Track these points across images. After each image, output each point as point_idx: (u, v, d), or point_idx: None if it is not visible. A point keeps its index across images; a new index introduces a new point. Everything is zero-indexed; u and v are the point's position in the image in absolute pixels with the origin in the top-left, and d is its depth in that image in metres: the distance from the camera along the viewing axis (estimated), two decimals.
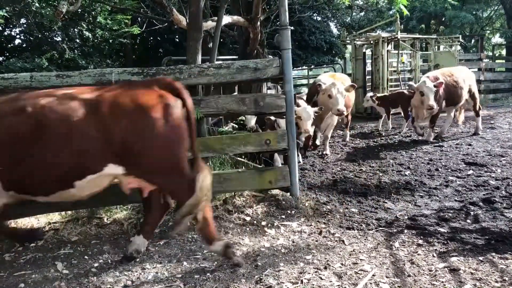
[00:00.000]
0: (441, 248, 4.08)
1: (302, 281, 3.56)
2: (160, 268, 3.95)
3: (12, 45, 19.92)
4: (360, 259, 3.94)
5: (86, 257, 4.25)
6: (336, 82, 7.86)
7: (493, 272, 3.55)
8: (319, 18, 22.70)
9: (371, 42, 14.23)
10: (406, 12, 9.15)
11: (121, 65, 17.58)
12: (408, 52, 14.92)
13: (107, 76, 4.75)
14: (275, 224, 4.87)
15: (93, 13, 17.12)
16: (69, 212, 5.20)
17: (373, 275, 3.61)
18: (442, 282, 3.43)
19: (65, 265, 4.11)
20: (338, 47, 20.16)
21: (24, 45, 19.57)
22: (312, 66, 19.84)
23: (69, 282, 3.77)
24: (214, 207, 5.28)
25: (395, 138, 10.47)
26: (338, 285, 3.48)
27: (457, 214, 5.01)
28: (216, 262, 4.01)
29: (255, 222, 4.97)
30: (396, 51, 14.20)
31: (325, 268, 3.78)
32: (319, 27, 20.35)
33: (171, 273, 3.85)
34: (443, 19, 24.98)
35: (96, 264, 4.09)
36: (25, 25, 17.96)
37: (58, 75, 4.70)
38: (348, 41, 15.39)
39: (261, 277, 3.65)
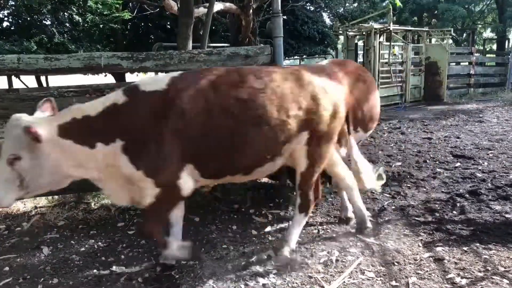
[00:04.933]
0: (426, 238, 4.12)
1: (288, 267, 3.58)
2: (146, 254, 3.94)
3: (0, 27, 19.59)
4: (346, 248, 3.96)
5: (72, 241, 4.24)
6: None
7: (477, 262, 3.60)
8: (312, 8, 22.57)
9: (364, 33, 14.20)
10: (399, 3, 9.14)
11: (111, 51, 17.38)
12: (400, 44, 14.92)
13: (96, 60, 4.68)
14: (263, 212, 4.88)
15: None
16: (56, 197, 5.16)
17: (359, 264, 3.64)
18: (427, 271, 3.47)
19: (51, 250, 4.10)
20: (330, 37, 20.05)
21: (12, 28, 19.25)
22: (304, 56, 19.78)
23: (54, 266, 3.75)
24: (203, 195, 5.28)
25: (384, 129, 10.51)
26: (324, 273, 3.51)
27: (443, 206, 5.05)
28: (203, 248, 4.01)
29: (243, 209, 4.98)
30: (388, 43, 14.19)
31: (312, 256, 3.81)
32: (312, 17, 20.20)
33: (157, 258, 3.83)
34: (436, 12, 25.04)
35: (82, 249, 4.08)
36: (13, 7, 17.67)
37: (46, 57, 4.63)
38: (341, 32, 15.31)
39: (248, 264, 3.66)
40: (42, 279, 3.53)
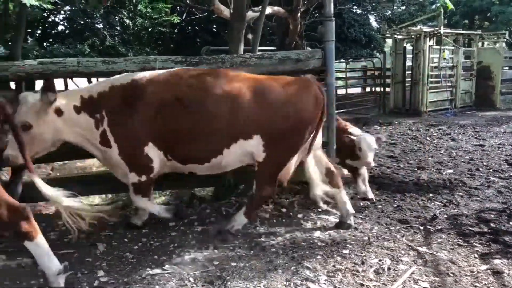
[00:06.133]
0: (482, 250, 3.98)
1: (338, 275, 3.55)
2: (197, 254, 4.01)
3: (55, 31, 20.47)
4: (398, 257, 3.88)
5: (125, 239, 4.36)
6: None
7: None
8: (359, 11, 22.34)
9: (413, 36, 13.89)
10: (451, 6, 8.84)
11: (159, 54, 17.82)
12: (450, 48, 14.50)
13: (151, 64, 4.81)
14: (312, 217, 4.86)
15: (134, 1, 17.36)
16: (110, 195, 5.34)
17: (412, 273, 3.56)
18: (485, 284, 3.35)
19: (106, 247, 4.22)
20: (377, 40, 19.80)
21: (67, 31, 20.08)
22: (350, 60, 19.56)
23: (109, 263, 3.87)
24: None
25: (434, 135, 10.24)
26: (376, 281, 3.45)
27: (499, 216, 4.86)
28: (252, 251, 4.04)
29: (291, 214, 4.98)
30: (438, 47, 13.82)
31: (362, 263, 3.75)
32: (359, 20, 20.02)
33: (207, 259, 3.91)
34: (488, 15, 24.13)
35: (135, 247, 4.19)
36: (68, 12, 18.42)
37: (104, 61, 4.80)
38: (388, 35, 15.05)
39: (298, 269, 3.66)
40: (99, 275, 3.66)
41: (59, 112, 4.01)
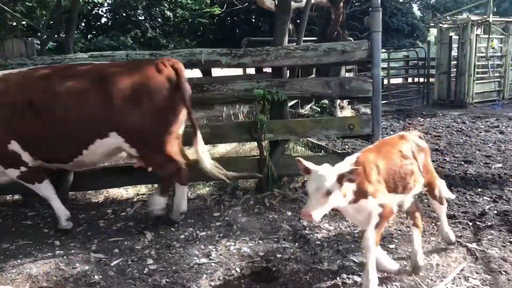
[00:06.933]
0: None
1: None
2: (243, 245, 4.06)
3: (99, 23, 21.03)
4: (447, 253, 3.80)
5: (172, 229, 4.46)
6: None
7: None
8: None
9: (459, 25, 13.42)
10: None
11: (198, 45, 17.97)
12: (499, 36, 13.92)
13: (197, 56, 4.88)
14: None
15: None
16: (156, 185, 5.46)
17: (462, 270, 3.48)
18: None
19: (153, 235, 4.34)
20: (420, 30, 19.23)
21: (109, 24, 20.60)
22: (392, 50, 19.12)
23: (158, 251, 3.98)
24: (294, 189, 5.34)
25: (480, 127, 9.91)
26: (424, 277, 3.40)
27: None
28: (297, 243, 4.05)
29: None
30: (486, 36, 13.30)
31: (410, 258, 3.69)
32: (401, 9, 19.52)
33: (253, 250, 3.95)
34: None
35: (182, 236, 4.29)
36: (111, 4, 18.87)
37: (152, 53, 4.91)
38: (433, 24, 14.59)
39: (344, 262, 3.65)
40: (148, 262, 3.77)
41: None
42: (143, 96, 4.09)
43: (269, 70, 8.46)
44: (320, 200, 2.75)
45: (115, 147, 4.26)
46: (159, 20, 19.47)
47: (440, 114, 12.10)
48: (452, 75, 13.94)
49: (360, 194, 2.95)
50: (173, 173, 4.43)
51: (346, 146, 8.31)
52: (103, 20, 21.34)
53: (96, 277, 3.56)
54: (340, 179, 2.77)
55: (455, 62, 13.83)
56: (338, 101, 10.35)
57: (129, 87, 4.07)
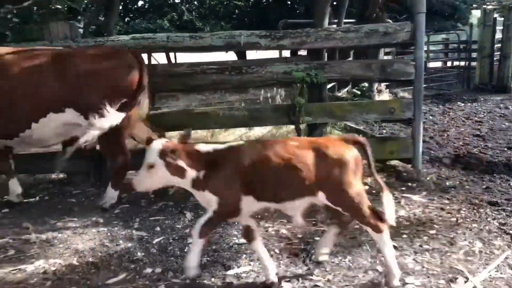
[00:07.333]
0: None
1: (426, 255, 3.47)
2: (281, 227, 4.09)
3: (136, 6, 21.21)
4: (490, 240, 3.72)
5: None
6: None
7: None
8: None
9: (505, 6, 12.87)
10: None
11: (234, 28, 17.89)
12: None
13: (236, 38, 4.88)
14: (395, 195, 4.76)
15: None
16: None
17: (506, 257, 3.40)
18: None
19: (193, 215, 4.42)
20: (462, 12, 18.50)
21: (146, 7, 20.75)
22: (431, 32, 18.52)
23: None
24: None
25: None
26: (466, 264, 3.34)
27: None
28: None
29: (373, 191, 4.90)
30: None
31: (451, 244, 3.64)
32: None
33: (291, 232, 3.98)
34: None
35: None
36: None
37: (192, 36, 4.94)
38: (476, 6, 14.07)
39: None
40: (189, 241, 3.84)
41: None
42: (102, 80, 4.33)
43: (304, 52, 8.36)
44: (145, 171, 2.92)
45: (67, 125, 4.44)
46: (195, 3, 19.49)
47: (482, 99, 11.72)
48: (495, 58, 13.43)
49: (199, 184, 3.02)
50: (123, 164, 4.66)
51: (384, 131, 8.19)
52: (140, 3, 21.50)
53: (139, 254, 3.67)
54: (162, 155, 2.85)
55: (498, 45, 13.31)
56: (376, 85, 10.18)
57: (88, 70, 4.33)
